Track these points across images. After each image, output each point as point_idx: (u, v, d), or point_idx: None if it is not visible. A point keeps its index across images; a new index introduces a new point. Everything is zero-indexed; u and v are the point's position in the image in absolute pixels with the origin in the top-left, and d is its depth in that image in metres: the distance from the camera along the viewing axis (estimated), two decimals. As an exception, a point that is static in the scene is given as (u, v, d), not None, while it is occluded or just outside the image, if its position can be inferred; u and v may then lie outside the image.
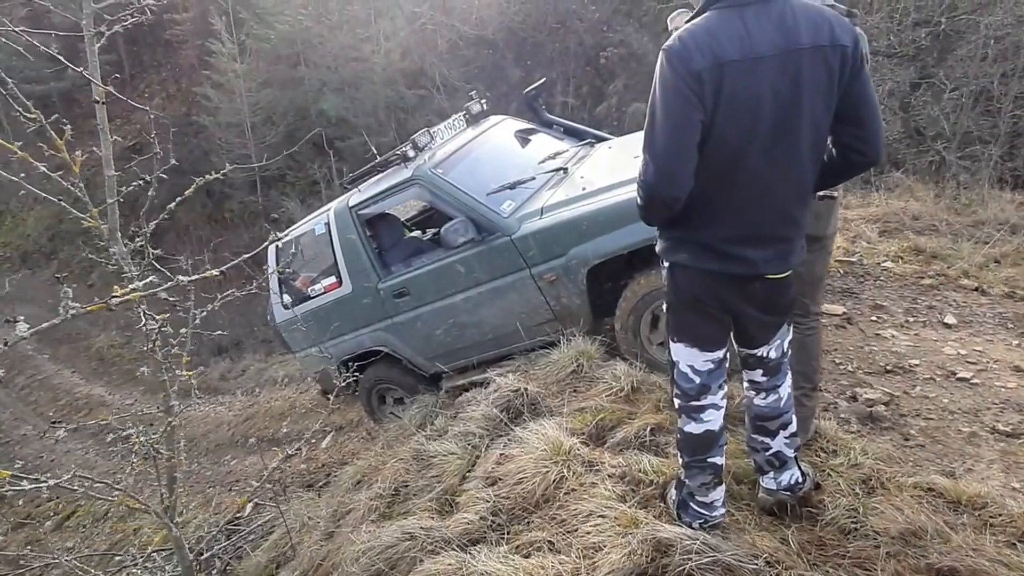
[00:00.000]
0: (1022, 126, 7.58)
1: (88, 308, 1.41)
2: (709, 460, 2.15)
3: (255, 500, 5.24)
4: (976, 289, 4.13)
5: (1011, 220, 5.15)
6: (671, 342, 2.15)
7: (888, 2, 7.02)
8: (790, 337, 2.19)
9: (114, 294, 1.41)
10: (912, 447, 2.81)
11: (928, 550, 2.05)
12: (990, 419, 2.95)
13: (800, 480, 2.29)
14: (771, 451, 2.24)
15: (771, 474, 2.27)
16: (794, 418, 2.27)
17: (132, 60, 20.03)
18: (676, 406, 2.19)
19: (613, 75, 11.89)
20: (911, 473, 2.50)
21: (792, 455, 2.27)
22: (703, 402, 2.11)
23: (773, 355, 2.15)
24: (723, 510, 2.23)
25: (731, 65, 1.66)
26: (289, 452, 2.73)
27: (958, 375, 3.29)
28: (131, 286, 1.48)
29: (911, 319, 3.88)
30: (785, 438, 2.23)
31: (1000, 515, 2.22)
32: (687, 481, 2.21)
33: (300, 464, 6.54)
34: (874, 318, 3.92)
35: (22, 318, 1.26)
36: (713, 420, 2.13)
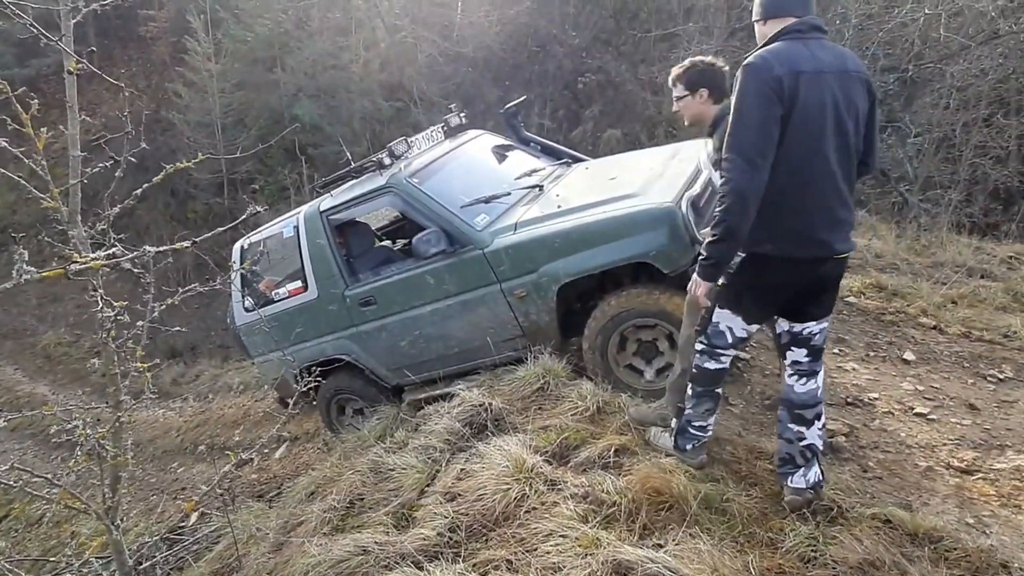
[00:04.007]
0: (980, 174, 7.87)
1: (44, 273, 1.32)
2: (716, 391, 2.65)
3: (201, 509, 5.05)
4: (934, 327, 4.23)
5: (968, 263, 5.31)
6: (717, 308, 2.50)
7: (858, 46, 7.25)
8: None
9: (74, 260, 1.33)
10: (870, 479, 2.84)
11: (886, 581, 2.06)
12: (946, 455, 3.00)
13: (822, 478, 2.48)
14: (805, 442, 2.45)
15: (801, 471, 2.43)
16: (824, 411, 2.52)
17: (103, 54, 19.50)
18: (699, 350, 2.60)
19: (590, 100, 12.01)
20: (869, 504, 2.52)
21: (820, 450, 2.49)
22: (726, 351, 2.56)
23: (818, 338, 2.46)
24: (712, 431, 2.71)
25: (805, 75, 2.12)
26: (242, 455, 2.62)
27: (916, 410, 3.34)
28: (92, 255, 1.40)
29: (872, 354, 3.95)
30: (819, 429, 2.47)
31: (955, 549, 2.25)
32: (690, 410, 2.67)
33: (252, 474, 6.33)
34: (836, 351, 3.97)
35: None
36: (727, 362, 2.60)
